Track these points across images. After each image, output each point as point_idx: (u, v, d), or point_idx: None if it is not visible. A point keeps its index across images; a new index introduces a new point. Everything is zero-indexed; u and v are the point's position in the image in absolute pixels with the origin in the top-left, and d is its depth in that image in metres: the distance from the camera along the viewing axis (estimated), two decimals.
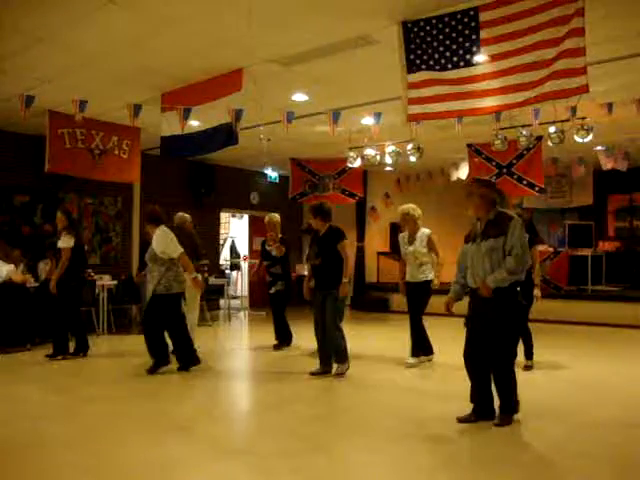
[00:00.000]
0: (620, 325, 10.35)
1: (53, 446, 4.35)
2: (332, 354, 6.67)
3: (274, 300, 8.53)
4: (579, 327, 10.57)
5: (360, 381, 6.46)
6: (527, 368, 6.82)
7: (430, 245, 7.15)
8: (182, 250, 6.73)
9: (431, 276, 7.16)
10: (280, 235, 8.54)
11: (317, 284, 6.68)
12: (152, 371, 6.65)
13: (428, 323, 7.22)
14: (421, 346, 7.28)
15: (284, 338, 8.51)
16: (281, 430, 4.73)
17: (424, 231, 7.22)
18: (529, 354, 6.90)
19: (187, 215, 8.46)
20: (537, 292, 6.73)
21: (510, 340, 4.85)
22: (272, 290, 8.48)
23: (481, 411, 4.84)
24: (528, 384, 6.26)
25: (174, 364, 6.84)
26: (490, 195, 4.78)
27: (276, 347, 8.44)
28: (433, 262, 7.20)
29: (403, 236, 7.35)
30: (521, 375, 6.60)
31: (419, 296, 7.18)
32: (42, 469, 3.93)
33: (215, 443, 4.41)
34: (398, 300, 12.76)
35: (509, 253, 4.60)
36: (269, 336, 8.75)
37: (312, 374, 6.61)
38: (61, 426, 4.83)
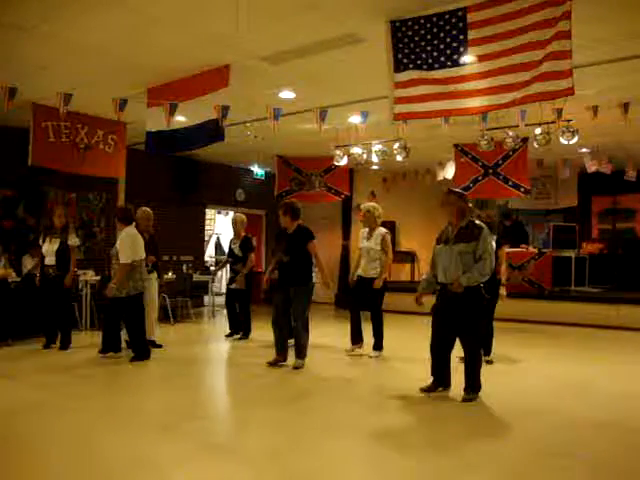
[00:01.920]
0: (603, 326, 10.43)
1: (33, 443, 4.30)
2: (295, 348, 6.90)
3: (235, 295, 9.09)
4: (562, 328, 10.62)
5: (340, 377, 6.47)
6: (488, 362, 6.94)
7: (383, 244, 7.51)
8: (129, 262, 7.03)
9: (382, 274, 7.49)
10: (244, 234, 9.15)
11: (282, 280, 6.87)
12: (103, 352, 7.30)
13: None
14: (355, 337, 7.70)
15: (240, 328, 9.08)
16: (265, 426, 4.73)
17: (380, 230, 7.61)
18: (487, 350, 7.03)
19: (145, 211, 8.23)
20: (503, 291, 7.01)
21: (478, 328, 5.56)
22: (233, 286, 9.10)
23: (440, 380, 5.68)
24: (508, 383, 6.31)
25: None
26: (461, 204, 5.51)
27: (229, 335, 9.14)
28: (382, 260, 7.52)
29: (363, 232, 7.75)
30: (502, 374, 6.66)
31: (372, 291, 7.48)
32: (23, 466, 3.89)
33: (199, 440, 4.38)
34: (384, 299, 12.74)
35: (480, 257, 5.35)
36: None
37: (270, 364, 6.85)
38: (41, 423, 4.78)
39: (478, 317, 5.50)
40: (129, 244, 7.07)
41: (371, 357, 7.49)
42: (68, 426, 4.72)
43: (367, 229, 7.67)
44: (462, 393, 5.48)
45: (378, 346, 7.57)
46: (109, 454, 4.09)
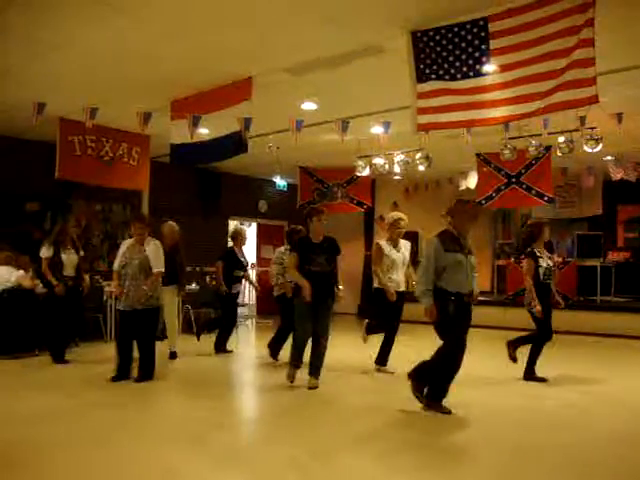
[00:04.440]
0: (629, 336, 10.28)
1: (56, 452, 4.35)
2: (315, 366, 6.43)
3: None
4: (587, 338, 10.49)
5: (364, 389, 6.44)
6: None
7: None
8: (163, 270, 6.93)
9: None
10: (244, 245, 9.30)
11: (317, 293, 6.26)
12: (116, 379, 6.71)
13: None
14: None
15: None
16: (287, 439, 4.72)
17: (406, 241, 7.42)
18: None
19: (171, 226, 8.41)
20: (560, 299, 7.04)
21: (446, 335, 5.30)
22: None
23: None
24: (531, 394, 6.25)
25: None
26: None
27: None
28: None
29: (386, 243, 7.32)
30: (527, 386, 6.60)
31: (402, 304, 7.37)
32: (44, 476, 3.93)
33: (220, 452, 4.41)
34: (407, 309, 12.62)
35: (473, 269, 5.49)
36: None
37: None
38: (65, 432, 4.84)
39: (441, 326, 5.34)
40: (161, 255, 6.92)
41: (382, 371, 7.36)
42: (92, 434, 4.76)
43: (388, 240, 7.33)
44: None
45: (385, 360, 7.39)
46: (131, 463, 4.14)
